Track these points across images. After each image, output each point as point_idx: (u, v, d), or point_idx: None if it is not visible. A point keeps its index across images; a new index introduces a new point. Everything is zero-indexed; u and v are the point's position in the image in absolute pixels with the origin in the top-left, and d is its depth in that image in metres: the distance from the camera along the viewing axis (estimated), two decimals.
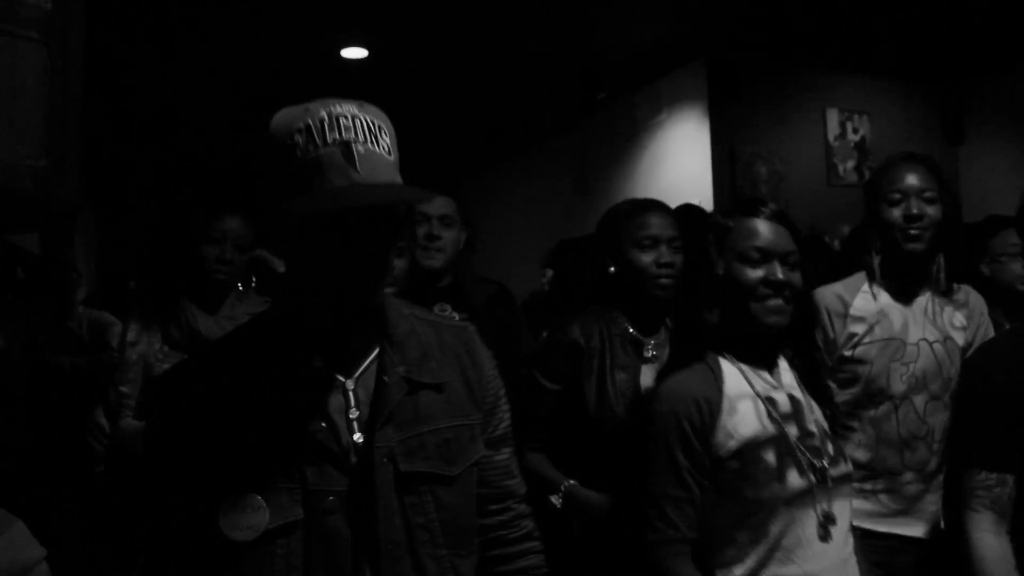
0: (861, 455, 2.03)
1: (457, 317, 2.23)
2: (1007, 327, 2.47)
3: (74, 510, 2.80)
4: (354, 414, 1.09)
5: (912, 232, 2.03)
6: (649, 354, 1.95)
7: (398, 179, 1.07)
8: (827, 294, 2.11)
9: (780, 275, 1.52)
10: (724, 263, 1.56)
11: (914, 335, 2.06)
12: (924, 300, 2.10)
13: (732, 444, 1.47)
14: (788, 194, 5.47)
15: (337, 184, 1.01)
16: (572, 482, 1.88)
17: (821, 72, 5.75)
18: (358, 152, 1.02)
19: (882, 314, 2.08)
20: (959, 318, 2.11)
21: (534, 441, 1.92)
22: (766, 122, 5.58)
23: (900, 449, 2.02)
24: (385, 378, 1.11)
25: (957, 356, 2.07)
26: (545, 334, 2.09)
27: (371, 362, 1.13)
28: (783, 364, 1.62)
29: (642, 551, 1.49)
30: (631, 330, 1.96)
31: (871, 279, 2.13)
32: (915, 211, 2.02)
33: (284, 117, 1.06)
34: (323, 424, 1.07)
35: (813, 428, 1.54)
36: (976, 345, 2.09)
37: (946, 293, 2.12)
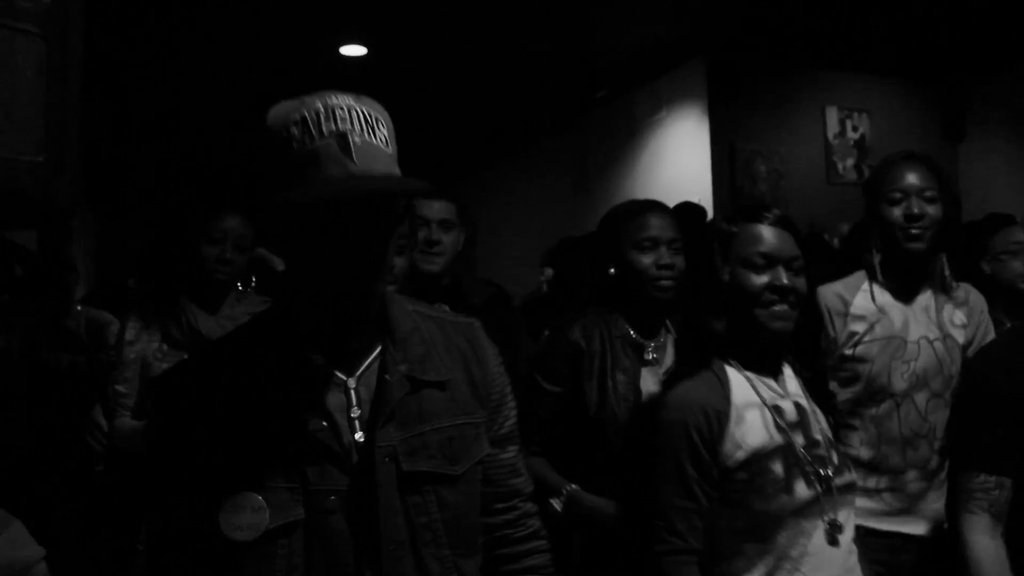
0: (863, 453, 2.03)
1: None
2: (1008, 325, 2.47)
3: (74, 510, 2.79)
4: (355, 413, 1.08)
5: (913, 232, 2.03)
6: (649, 357, 1.94)
7: (396, 171, 1.06)
8: (827, 293, 2.11)
9: (785, 281, 1.52)
10: (729, 269, 1.56)
11: (914, 333, 2.06)
12: (924, 298, 2.10)
13: (740, 455, 1.46)
14: (787, 192, 5.47)
15: (333, 175, 1.00)
16: (574, 486, 1.86)
17: (821, 70, 5.75)
18: (354, 143, 1.01)
19: (882, 312, 2.08)
20: (959, 316, 2.10)
21: (533, 444, 1.90)
22: (766, 120, 5.58)
23: (902, 447, 2.01)
24: (387, 376, 1.09)
25: (957, 354, 2.07)
26: (546, 333, 2.07)
27: (373, 360, 1.12)
28: (788, 371, 1.61)
29: (648, 561, 1.48)
30: (632, 333, 1.95)
31: (871, 278, 2.12)
32: (916, 211, 2.02)
33: (280, 110, 1.05)
34: (324, 423, 1.06)
35: (818, 437, 1.53)
36: (976, 343, 2.09)
37: (946, 291, 2.12)
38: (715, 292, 1.57)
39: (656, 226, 1.96)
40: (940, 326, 2.07)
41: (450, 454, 1.12)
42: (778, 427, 1.50)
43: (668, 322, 2.03)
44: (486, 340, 1.24)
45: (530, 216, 7.42)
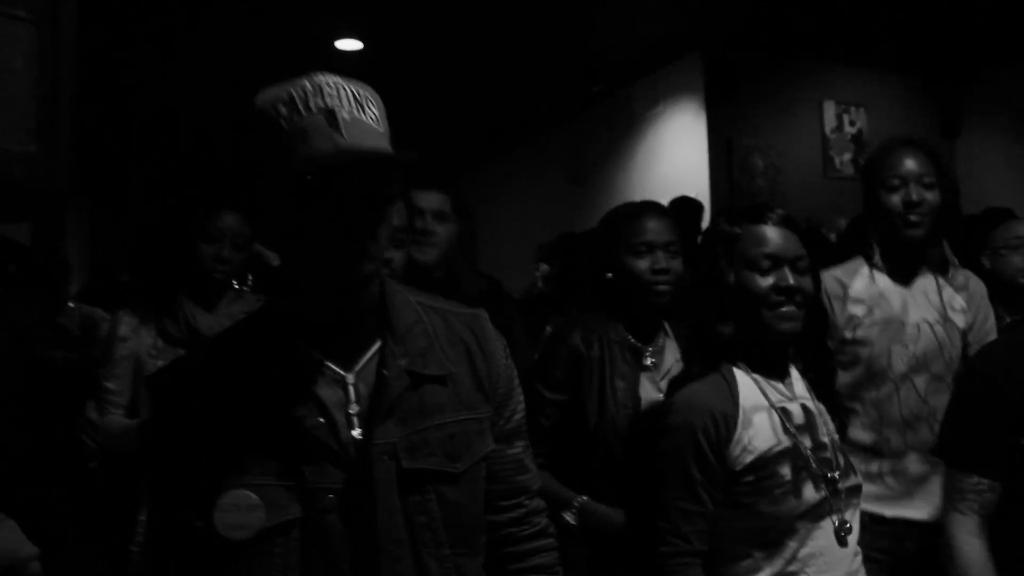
0: (865, 437, 2.03)
1: None
2: (1008, 320, 2.47)
3: (67, 508, 2.76)
4: (354, 409, 1.05)
5: (912, 219, 2.03)
6: (648, 362, 1.93)
7: (388, 149, 1.04)
8: (826, 278, 2.10)
9: (791, 281, 1.50)
10: (733, 272, 1.54)
11: (914, 316, 2.06)
12: (923, 282, 2.11)
13: (747, 458, 1.45)
14: (784, 186, 5.46)
15: (321, 149, 0.98)
16: (584, 498, 1.84)
17: (818, 64, 5.75)
18: (343, 119, 0.99)
19: (881, 296, 2.08)
20: (959, 300, 2.11)
21: (539, 456, 1.89)
22: (763, 114, 5.57)
23: (903, 430, 2.01)
24: (384, 371, 1.06)
25: (958, 338, 2.07)
26: (548, 330, 2.05)
27: (373, 354, 1.09)
28: (795, 373, 1.60)
29: (652, 563, 1.47)
30: (630, 338, 1.93)
31: (869, 263, 2.13)
32: (914, 197, 2.01)
33: (268, 92, 1.03)
34: (321, 419, 1.03)
35: (825, 439, 1.52)
36: (976, 328, 2.10)
37: (944, 273, 2.13)
38: (720, 295, 1.55)
39: (652, 230, 1.94)
40: (940, 310, 2.08)
41: (452, 451, 1.09)
42: (786, 430, 1.48)
43: (666, 325, 2.01)
44: (492, 332, 1.20)
45: (526, 211, 7.40)
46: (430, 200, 2.27)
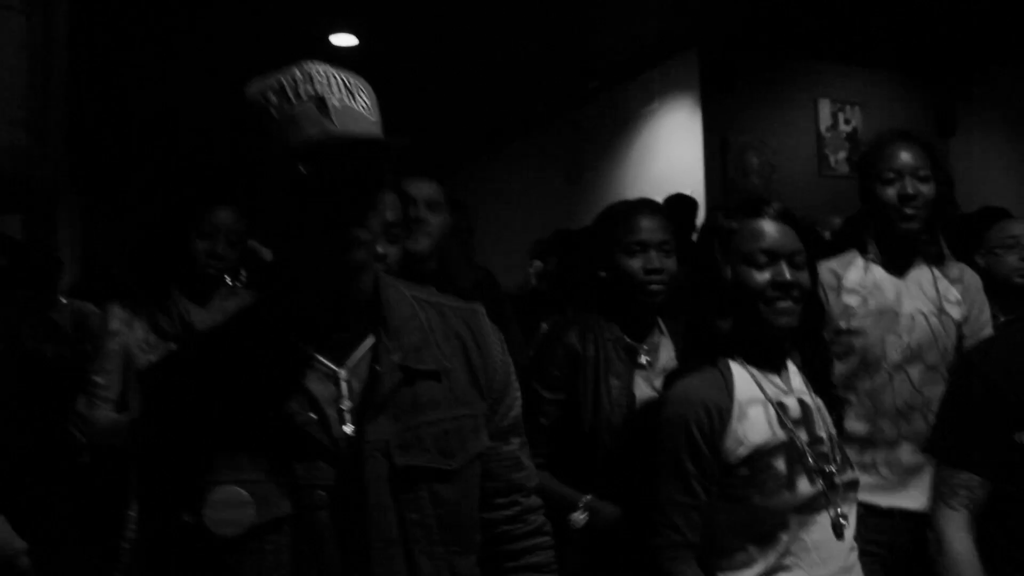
0: (859, 427, 2.04)
1: None
2: (1002, 319, 2.46)
3: (58, 503, 2.75)
4: (346, 405, 1.03)
5: (907, 212, 2.05)
6: (643, 360, 1.92)
7: (379, 136, 1.03)
8: (821, 269, 2.10)
9: (788, 276, 1.50)
10: (730, 267, 1.53)
11: (908, 306, 2.08)
12: (917, 273, 2.13)
13: (742, 451, 1.44)
14: (779, 185, 5.46)
15: (311, 135, 0.97)
16: (589, 496, 1.83)
17: (814, 63, 5.75)
18: (333, 106, 0.98)
19: (876, 286, 2.10)
20: (953, 292, 2.12)
21: (538, 456, 1.88)
22: (758, 112, 5.57)
23: (896, 420, 2.03)
24: (377, 367, 1.05)
25: (953, 329, 2.09)
26: (543, 327, 2.04)
27: (366, 349, 1.08)
28: (792, 368, 1.60)
29: (646, 555, 1.47)
30: (625, 337, 1.93)
31: (864, 255, 2.15)
32: (910, 191, 2.03)
33: (258, 81, 1.03)
34: (313, 415, 1.01)
35: (822, 434, 1.52)
36: (972, 320, 2.12)
37: (939, 266, 2.15)
38: (718, 290, 1.55)
39: (645, 229, 1.93)
40: (935, 301, 2.09)
41: (446, 448, 1.07)
42: (781, 423, 1.48)
43: (661, 323, 2.01)
44: (489, 327, 1.19)
45: (521, 208, 7.39)
46: (422, 189, 2.26)
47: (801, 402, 1.54)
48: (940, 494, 1.62)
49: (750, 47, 5.33)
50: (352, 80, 1.03)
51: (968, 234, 2.75)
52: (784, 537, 1.42)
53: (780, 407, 1.50)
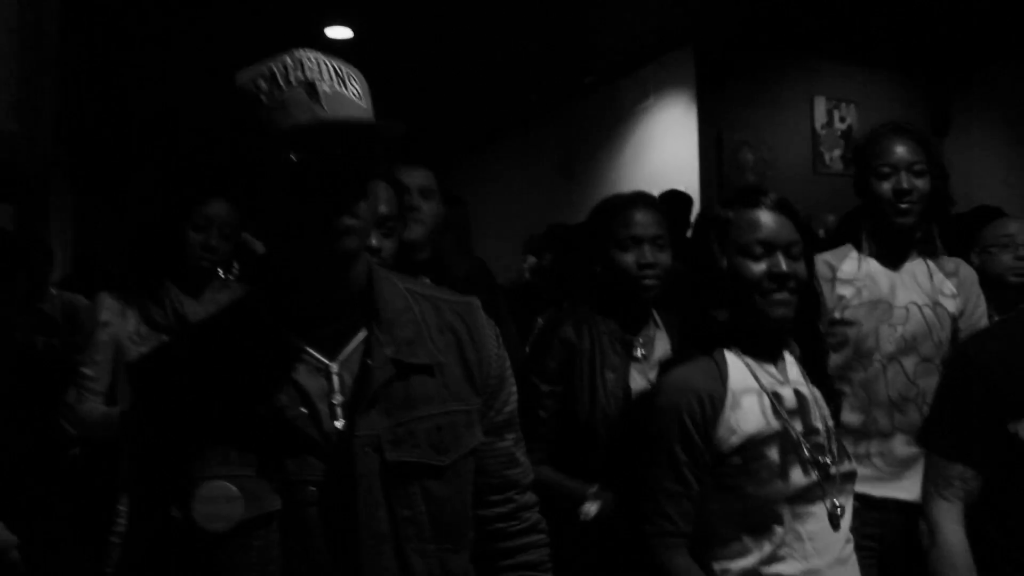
0: (854, 418, 2.04)
1: None
2: (996, 318, 2.46)
3: (48, 497, 2.73)
4: (337, 399, 1.02)
5: (902, 207, 2.06)
6: (638, 353, 1.92)
7: (371, 121, 1.01)
8: (816, 261, 2.12)
9: (784, 267, 1.48)
10: (726, 258, 1.52)
11: (902, 298, 2.09)
12: (912, 266, 2.14)
13: (734, 440, 1.44)
14: (774, 182, 5.46)
15: (301, 121, 0.95)
16: (595, 487, 1.82)
17: (809, 60, 5.75)
18: (323, 92, 0.97)
19: (869, 278, 2.11)
20: (949, 286, 2.13)
21: (539, 451, 1.85)
22: (754, 109, 5.57)
23: (890, 411, 2.04)
24: (369, 360, 1.03)
25: (948, 321, 2.09)
26: (539, 322, 2.03)
27: (358, 343, 1.06)
28: (789, 359, 1.59)
29: (638, 544, 1.47)
30: (619, 330, 1.92)
31: (858, 248, 2.16)
32: (905, 185, 2.04)
33: (248, 70, 1.01)
34: (303, 410, 1.00)
35: (818, 425, 1.51)
36: (968, 314, 2.12)
37: (935, 260, 2.16)
38: (714, 281, 1.54)
39: (639, 223, 1.92)
40: (930, 293, 2.10)
41: (438, 444, 1.06)
42: (776, 413, 1.47)
43: (656, 315, 2.00)
44: (484, 320, 1.17)
45: (515, 202, 7.38)
46: (415, 176, 2.25)
47: (797, 392, 1.53)
48: (934, 486, 1.61)
49: (746, 44, 5.33)
50: (344, 68, 1.01)
51: (962, 233, 2.75)
52: (778, 528, 1.42)
53: (775, 397, 1.49)
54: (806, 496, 1.43)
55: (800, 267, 1.51)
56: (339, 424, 1.01)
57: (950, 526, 1.57)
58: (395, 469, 1.02)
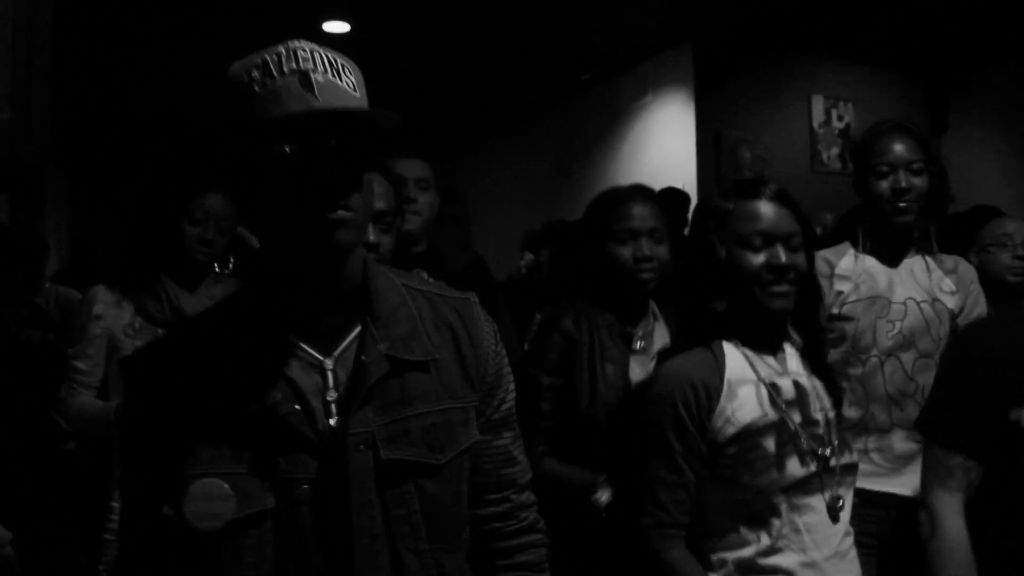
0: (852, 413, 2.05)
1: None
2: None
3: (42, 492, 2.71)
4: (332, 396, 1.00)
5: (901, 206, 2.06)
6: (637, 346, 1.91)
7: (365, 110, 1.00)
8: (815, 258, 2.12)
9: (783, 259, 1.47)
10: (725, 249, 1.51)
11: (900, 294, 2.09)
12: (910, 262, 2.15)
13: (730, 430, 1.43)
14: (772, 180, 5.44)
15: (294, 110, 0.94)
16: (603, 476, 1.81)
17: (807, 59, 5.74)
18: (317, 81, 0.95)
19: (867, 274, 2.12)
20: (948, 283, 2.14)
21: (542, 445, 1.85)
22: (751, 107, 5.56)
23: (888, 406, 2.04)
24: (363, 356, 1.02)
25: (947, 317, 2.10)
26: (537, 317, 2.03)
27: (353, 339, 1.05)
28: (790, 349, 1.57)
29: (634, 534, 1.46)
30: (618, 323, 1.92)
31: (855, 245, 2.17)
32: (903, 184, 2.05)
33: (241, 61, 1.00)
34: (297, 407, 0.99)
35: (818, 416, 1.50)
36: (967, 312, 2.13)
37: (933, 257, 2.17)
38: (712, 272, 1.53)
39: (636, 216, 1.91)
40: (928, 289, 2.11)
41: (433, 442, 1.04)
42: (773, 404, 1.46)
43: (655, 308, 1.99)
44: (481, 316, 1.15)
45: (512, 199, 7.36)
46: (411, 168, 2.25)
47: (797, 384, 1.52)
48: (935, 475, 1.58)
49: (744, 42, 5.32)
50: (338, 59, 1.00)
51: (961, 232, 2.75)
52: (775, 520, 1.41)
53: (773, 387, 1.48)
54: (804, 487, 1.42)
55: (800, 259, 1.50)
56: (333, 421, 1.00)
57: (950, 517, 1.54)
58: (389, 467, 1.01)
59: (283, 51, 0.97)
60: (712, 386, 1.46)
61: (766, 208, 1.51)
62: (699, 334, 1.54)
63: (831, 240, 2.34)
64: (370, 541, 0.99)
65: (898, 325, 2.06)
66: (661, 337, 1.94)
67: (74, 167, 7.10)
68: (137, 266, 2.35)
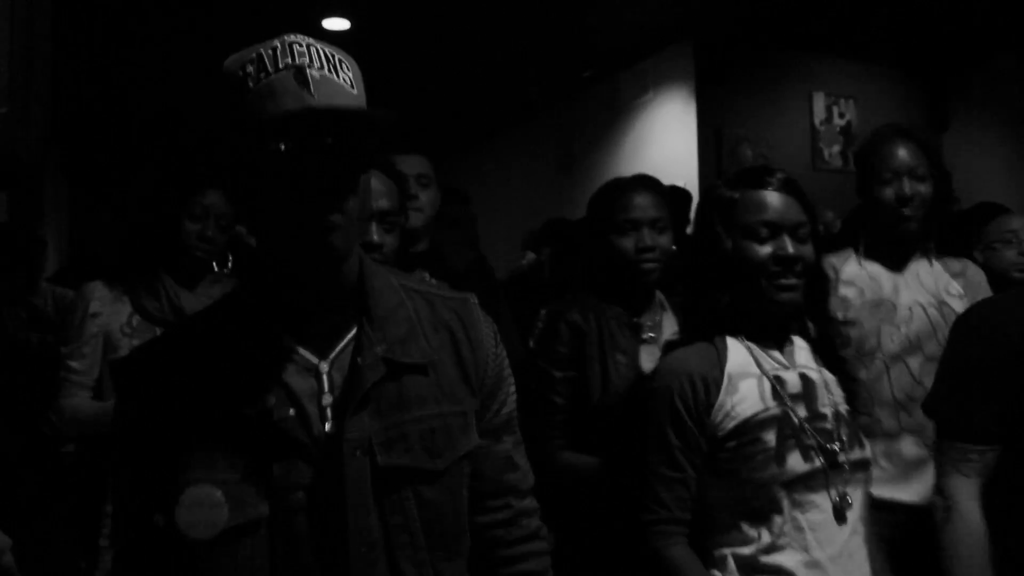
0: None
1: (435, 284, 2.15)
2: None
3: (40, 496, 2.69)
4: (327, 400, 0.98)
5: (905, 213, 2.04)
6: (647, 335, 1.90)
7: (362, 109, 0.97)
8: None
9: (790, 250, 1.44)
10: (731, 239, 1.47)
11: (905, 298, 2.08)
12: (916, 266, 2.13)
13: (730, 424, 1.40)
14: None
15: (289, 107, 0.91)
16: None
17: (808, 56, 5.72)
18: (312, 77, 0.92)
19: (872, 279, 2.10)
20: (955, 286, 2.12)
21: (557, 439, 1.85)
22: (752, 104, 5.54)
23: (895, 410, 2.01)
24: (359, 359, 0.99)
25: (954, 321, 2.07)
26: (543, 313, 2.01)
27: (349, 341, 1.01)
28: (799, 342, 1.54)
29: (635, 530, 1.43)
30: (625, 313, 1.91)
31: (858, 251, 2.16)
32: (907, 191, 2.03)
33: (236, 55, 0.97)
34: (292, 411, 0.96)
35: (825, 410, 1.46)
36: None
37: (940, 260, 2.15)
38: (717, 263, 1.49)
39: (637, 206, 1.90)
40: (934, 293, 2.09)
41: (432, 447, 1.01)
42: (776, 397, 1.43)
43: (662, 297, 1.98)
44: (481, 318, 1.12)
45: (513, 197, 7.34)
46: (412, 164, 2.22)
47: (804, 377, 1.47)
48: (950, 459, 1.54)
49: (745, 39, 5.30)
50: (336, 54, 0.98)
51: (965, 230, 2.74)
52: (777, 517, 1.37)
53: (776, 381, 1.44)
54: (807, 484, 1.38)
55: (807, 250, 1.47)
56: (328, 426, 0.97)
57: (966, 502, 1.49)
58: (386, 473, 0.98)
59: (278, 45, 0.95)
60: (711, 379, 1.43)
61: (773, 198, 1.47)
62: (702, 328, 1.51)
63: (835, 241, 2.33)
64: (367, 550, 0.97)
65: (904, 329, 2.04)
66: (670, 327, 1.93)
67: (73, 167, 7.08)
68: (136, 262, 2.32)
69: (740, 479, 1.39)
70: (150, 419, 0.98)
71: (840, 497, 1.40)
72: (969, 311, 1.75)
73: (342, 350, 1.01)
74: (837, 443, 1.43)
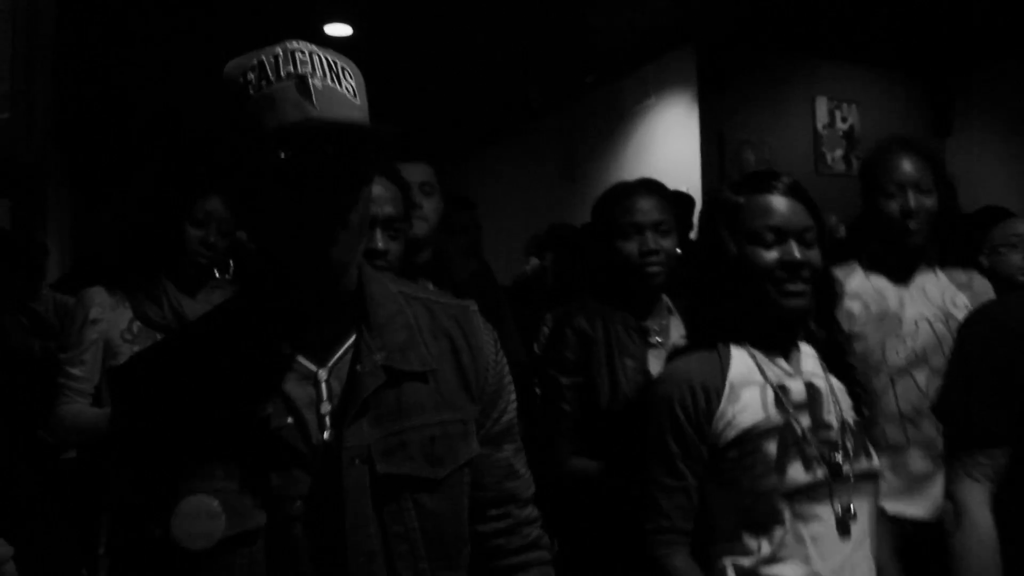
0: None
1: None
2: None
3: (41, 504, 2.68)
4: (326, 408, 0.97)
5: (910, 226, 2.03)
6: (654, 340, 1.89)
7: (364, 122, 0.96)
8: None
9: (797, 255, 1.41)
10: (736, 245, 1.45)
11: (911, 312, 2.06)
12: (921, 280, 2.11)
13: (731, 433, 1.38)
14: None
15: (290, 119, 0.90)
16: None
17: (811, 60, 5.72)
18: (315, 86, 0.91)
19: (877, 292, 2.09)
20: (961, 299, 2.10)
21: (566, 445, 1.84)
22: (755, 109, 5.54)
23: (902, 424, 1.99)
24: (358, 367, 0.98)
25: None
26: (548, 318, 2.01)
27: (348, 348, 1.00)
28: (805, 349, 1.52)
29: (637, 539, 1.42)
30: (632, 318, 1.90)
31: (862, 264, 2.14)
32: (912, 205, 2.01)
33: (237, 60, 0.96)
34: (290, 420, 0.95)
35: (831, 420, 1.43)
36: None
37: (946, 272, 2.13)
38: (722, 269, 1.47)
39: (640, 210, 1.90)
40: (941, 306, 2.07)
41: (432, 455, 1.00)
42: (779, 406, 1.40)
43: (669, 302, 1.97)
44: (481, 325, 1.11)
45: (516, 203, 7.34)
46: (415, 172, 2.21)
47: (810, 385, 1.45)
48: (960, 464, 1.51)
49: (747, 44, 5.30)
50: (339, 62, 0.96)
51: (970, 234, 2.73)
52: (778, 528, 1.35)
53: (781, 390, 1.42)
54: (810, 495, 1.35)
55: (814, 255, 1.44)
56: (326, 435, 0.96)
57: (978, 508, 1.47)
58: (386, 482, 0.97)
59: (280, 52, 0.93)
60: (712, 388, 1.40)
61: (778, 202, 1.44)
62: (705, 335, 1.49)
63: (839, 250, 2.32)
64: (366, 560, 0.95)
65: (910, 343, 2.03)
66: (677, 331, 1.92)
67: (75, 173, 7.08)
68: (137, 268, 2.31)
69: (742, 489, 1.37)
70: (146, 427, 0.97)
71: (844, 509, 1.37)
72: (976, 312, 1.73)
73: (341, 358, 1.00)
74: (841, 453, 1.40)
